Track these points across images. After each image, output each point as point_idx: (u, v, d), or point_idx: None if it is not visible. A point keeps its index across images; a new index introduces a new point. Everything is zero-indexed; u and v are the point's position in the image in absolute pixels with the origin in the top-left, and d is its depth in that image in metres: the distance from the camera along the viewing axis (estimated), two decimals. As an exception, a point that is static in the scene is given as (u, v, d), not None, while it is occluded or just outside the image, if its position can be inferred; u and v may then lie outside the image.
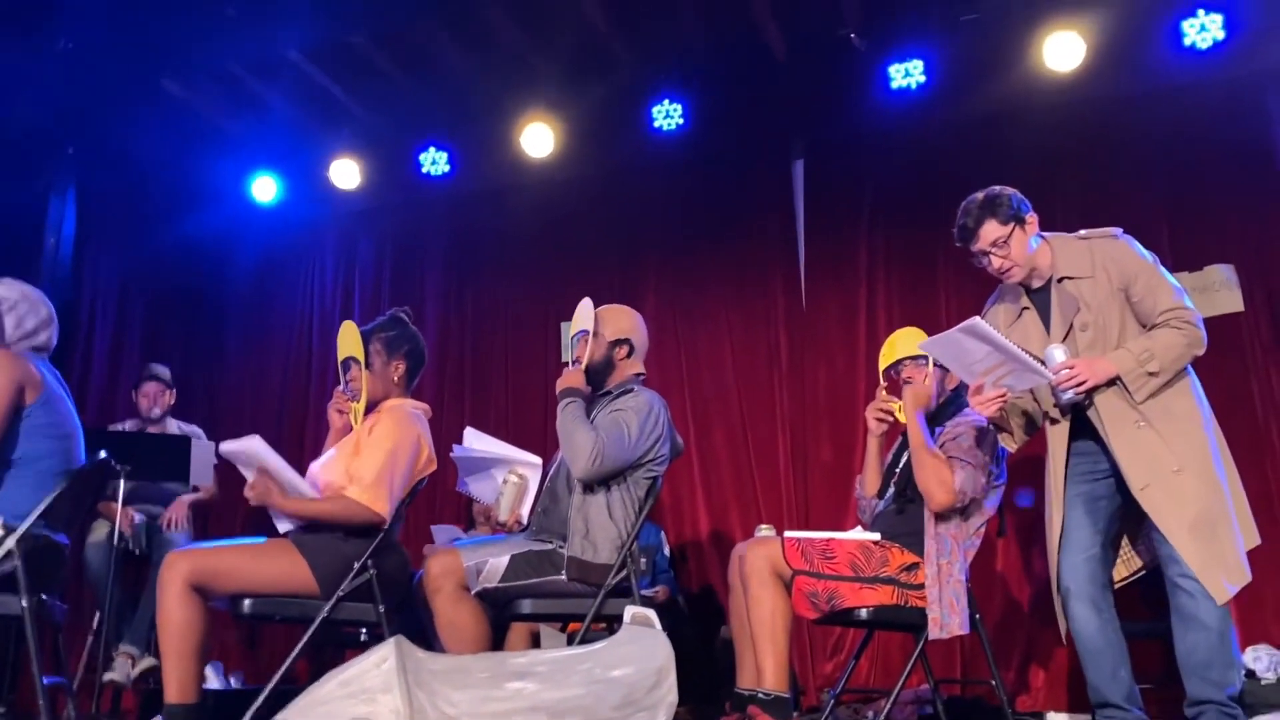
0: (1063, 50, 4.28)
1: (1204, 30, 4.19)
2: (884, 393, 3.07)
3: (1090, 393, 2.45)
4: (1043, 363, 2.46)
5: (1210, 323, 2.60)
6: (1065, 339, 2.53)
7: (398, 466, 2.68)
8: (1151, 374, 2.41)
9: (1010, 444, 2.73)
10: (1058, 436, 2.58)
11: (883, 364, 3.11)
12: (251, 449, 2.64)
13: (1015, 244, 2.57)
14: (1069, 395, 2.45)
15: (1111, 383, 2.44)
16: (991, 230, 2.56)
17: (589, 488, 2.79)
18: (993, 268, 2.61)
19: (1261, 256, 4.26)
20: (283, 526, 2.71)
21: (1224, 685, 2.37)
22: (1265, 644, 3.67)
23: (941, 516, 2.79)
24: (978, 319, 2.45)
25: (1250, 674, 3.57)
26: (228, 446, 2.69)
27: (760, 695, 2.67)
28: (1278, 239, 4.24)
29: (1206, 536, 2.37)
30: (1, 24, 4.30)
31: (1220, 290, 4.20)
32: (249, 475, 2.71)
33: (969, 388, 2.59)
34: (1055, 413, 2.57)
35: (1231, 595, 2.36)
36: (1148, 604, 2.59)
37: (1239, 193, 4.32)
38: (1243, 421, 4.08)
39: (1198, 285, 4.13)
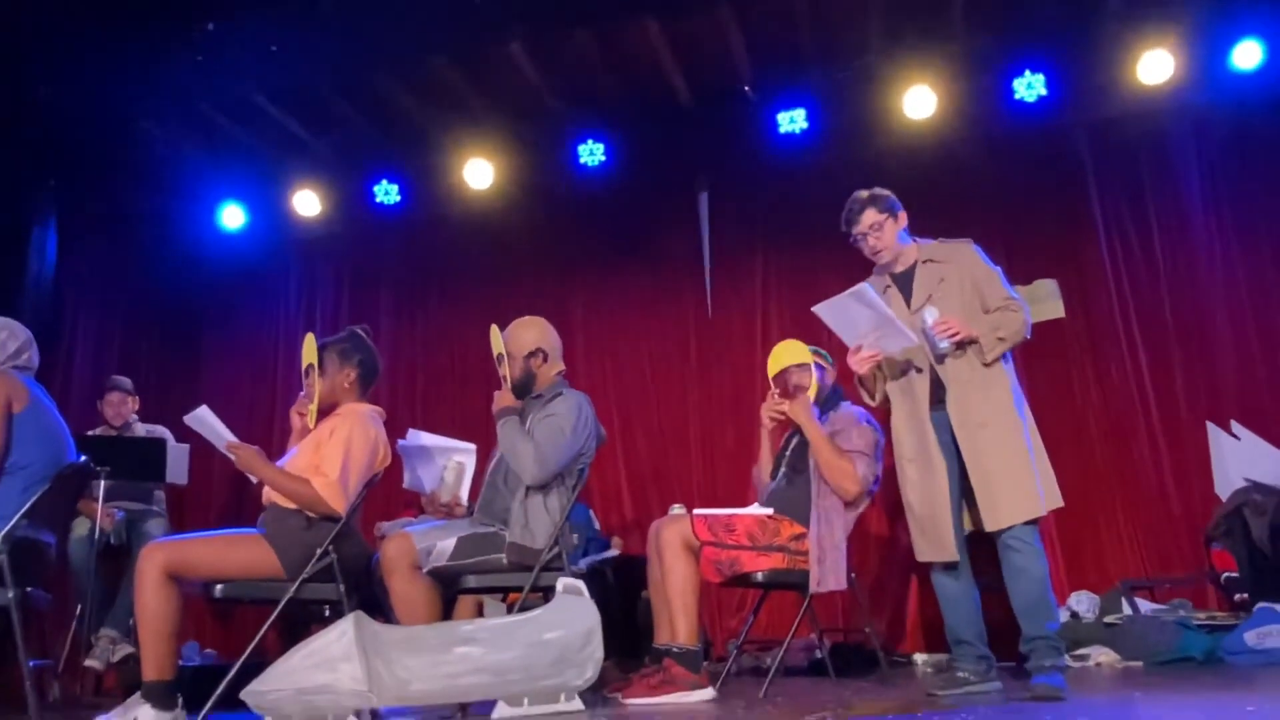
0: (917, 102, 4.45)
1: (1030, 87, 4.39)
2: (776, 396, 3.11)
3: (957, 346, 2.57)
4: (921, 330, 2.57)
5: (1038, 327, 2.73)
6: (926, 303, 2.65)
7: (357, 466, 2.62)
8: (1000, 339, 2.58)
9: (871, 401, 2.84)
10: (920, 390, 2.65)
11: (772, 371, 3.16)
12: (201, 416, 2.61)
13: (887, 231, 2.73)
14: (944, 344, 2.57)
15: (965, 348, 2.58)
16: (869, 217, 2.73)
17: (533, 487, 2.74)
18: (868, 247, 2.76)
19: (1080, 274, 4.48)
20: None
21: (1048, 624, 2.49)
22: (1086, 590, 3.86)
23: (824, 495, 2.85)
24: (865, 285, 2.57)
25: (1074, 615, 3.75)
26: (188, 417, 2.66)
27: (675, 649, 2.70)
28: (1090, 260, 4.47)
29: (995, 478, 2.51)
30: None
31: (1046, 301, 4.39)
32: (216, 443, 2.65)
33: (849, 349, 2.68)
34: (920, 362, 2.65)
35: (1005, 525, 2.48)
36: (994, 564, 2.70)
37: (1061, 221, 4.54)
38: (1065, 408, 4.29)
39: (1028, 297, 4.24)
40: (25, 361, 2.73)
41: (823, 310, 2.64)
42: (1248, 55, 4.18)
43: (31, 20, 4.07)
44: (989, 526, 2.50)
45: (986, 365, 2.57)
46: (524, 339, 2.92)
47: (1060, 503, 2.59)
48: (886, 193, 2.77)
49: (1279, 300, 4.20)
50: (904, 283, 2.74)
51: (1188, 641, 3.34)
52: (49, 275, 4.90)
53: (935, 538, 2.60)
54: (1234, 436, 4.04)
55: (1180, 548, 4.07)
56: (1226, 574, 3.74)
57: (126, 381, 4.32)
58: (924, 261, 2.71)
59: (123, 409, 4.24)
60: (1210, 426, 4.12)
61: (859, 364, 2.67)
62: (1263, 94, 4.22)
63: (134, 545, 3.91)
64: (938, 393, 2.63)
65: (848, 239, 2.79)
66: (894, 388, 2.74)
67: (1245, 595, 3.58)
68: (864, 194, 2.77)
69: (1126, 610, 3.66)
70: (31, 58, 4.26)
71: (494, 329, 2.93)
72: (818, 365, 3.11)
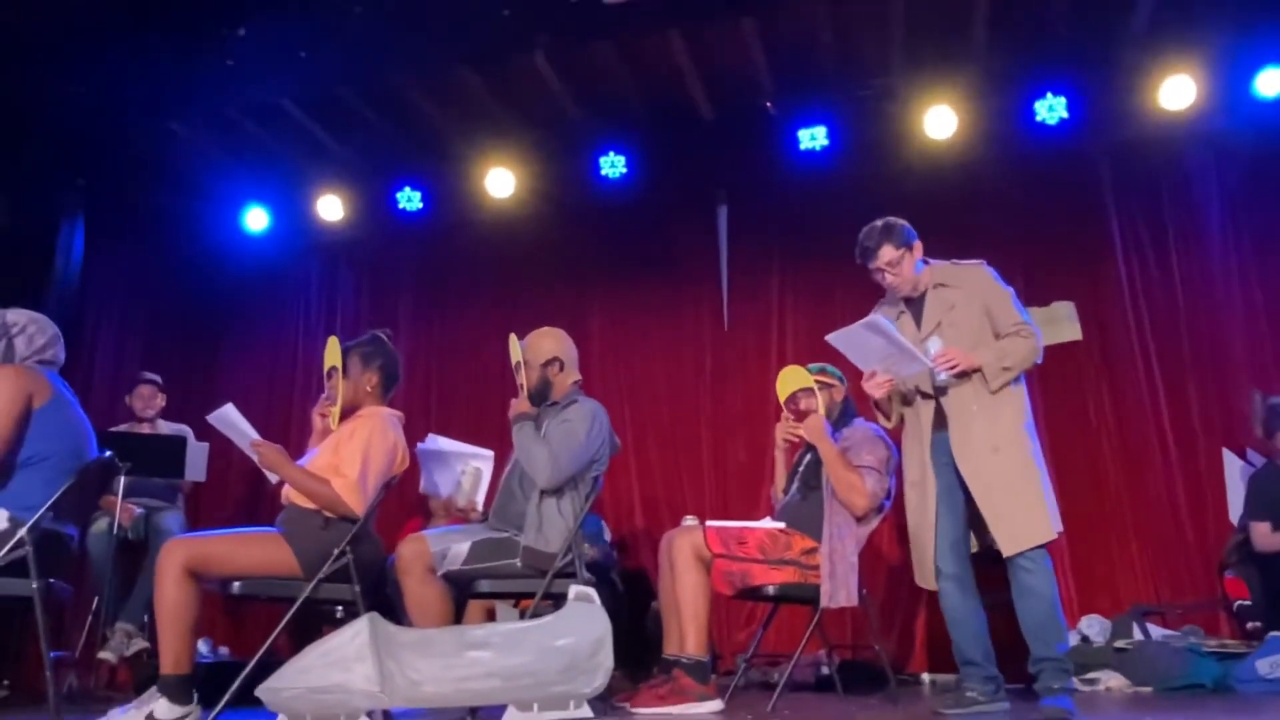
0: (938, 122, 4.47)
1: (1052, 110, 4.40)
2: (790, 420, 3.12)
3: (957, 378, 2.57)
4: (925, 352, 2.59)
5: (1055, 349, 2.74)
6: (934, 331, 2.65)
7: (375, 468, 2.66)
8: (1006, 368, 2.56)
9: (887, 423, 2.84)
10: (924, 416, 2.66)
11: (781, 396, 3.18)
12: (225, 415, 2.67)
13: (905, 265, 2.70)
14: (943, 376, 2.57)
15: (970, 375, 2.57)
16: (887, 253, 2.68)
17: (547, 491, 2.79)
18: (886, 282, 2.73)
19: (1098, 297, 4.47)
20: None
21: (1057, 645, 2.49)
22: (1096, 614, 3.85)
23: (836, 510, 2.87)
24: (878, 316, 2.59)
25: (1084, 639, 3.74)
26: (212, 416, 2.72)
27: (684, 660, 2.71)
28: (1109, 283, 4.47)
29: (1008, 503, 2.50)
30: (24, 66, 4.20)
31: (1063, 323, 4.39)
32: (239, 442, 2.70)
33: (863, 375, 2.68)
34: (927, 388, 2.66)
35: (1023, 549, 2.48)
36: (1002, 582, 2.71)
37: (1080, 243, 4.54)
38: (1080, 428, 4.29)
39: (1045, 318, 4.31)
40: (51, 357, 2.77)
41: (836, 339, 2.64)
42: (1270, 83, 4.18)
43: (63, 20, 4.16)
44: (1006, 551, 2.50)
45: (993, 393, 2.56)
46: (542, 348, 2.96)
47: (1061, 525, 2.61)
48: (901, 223, 2.71)
49: (1298, 328, 4.19)
50: (916, 308, 2.73)
51: (1198, 668, 3.32)
52: (75, 272, 4.99)
53: (921, 564, 2.64)
54: (1249, 464, 4.02)
55: (1193, 574, 4.05)
56: (1239, 602, 3.71)
57: (157, 377, 4.43)
58: (935, 286, 2.70)
59: (153, 401, 4.34)
60: (1226, 453, 4.11)
61: (874, 389, 2.65)
62: (1285, 122, 4.22)
63: (151, 541, 3.96)
64: (941, 419, 2.63)
65: (864, 270, 2.77)
66: (907, 412, 2.75)
67: (1258, 624, 3.55)
68: (879, 225, 2.70)
69: (1137, 635, 3.64)
70: (62, 57, 4.34)
71: (512, 338, 2.97)
72: (825, 385, 3.14)
